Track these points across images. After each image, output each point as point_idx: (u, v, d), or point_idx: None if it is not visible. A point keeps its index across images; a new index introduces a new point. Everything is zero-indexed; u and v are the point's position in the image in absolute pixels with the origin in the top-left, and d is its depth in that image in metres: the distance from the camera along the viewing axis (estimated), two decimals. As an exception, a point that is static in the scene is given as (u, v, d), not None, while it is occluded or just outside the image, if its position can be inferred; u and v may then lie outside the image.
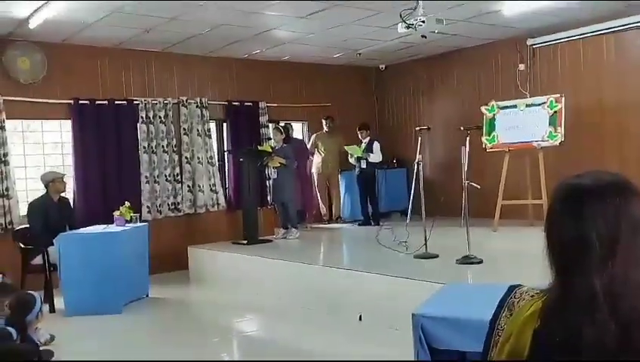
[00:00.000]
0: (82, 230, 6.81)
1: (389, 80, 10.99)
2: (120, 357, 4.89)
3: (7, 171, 7.55)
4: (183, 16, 7.08)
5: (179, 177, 8.92)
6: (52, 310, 6.37)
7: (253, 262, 7.22)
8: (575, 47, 8.45)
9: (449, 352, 3.07)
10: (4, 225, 7.49)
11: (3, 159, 7.54)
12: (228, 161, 9.54)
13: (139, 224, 7.26)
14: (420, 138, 6.76)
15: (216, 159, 9.35)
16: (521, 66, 8.95)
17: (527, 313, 1.28)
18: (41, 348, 4.65)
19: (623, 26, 7.85)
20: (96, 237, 6.59)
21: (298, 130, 10.53)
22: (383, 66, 10.84)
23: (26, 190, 7.93)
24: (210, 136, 9.23)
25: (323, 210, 10.16)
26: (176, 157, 8.88)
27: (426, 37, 7.06)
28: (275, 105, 9.86)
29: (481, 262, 5.76)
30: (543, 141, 7.74)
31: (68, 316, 6.18)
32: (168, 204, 8.83)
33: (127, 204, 7.05)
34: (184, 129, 8.96)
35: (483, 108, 8.35)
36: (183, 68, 9.06)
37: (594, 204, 1.20)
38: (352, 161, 9.59)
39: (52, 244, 6.45)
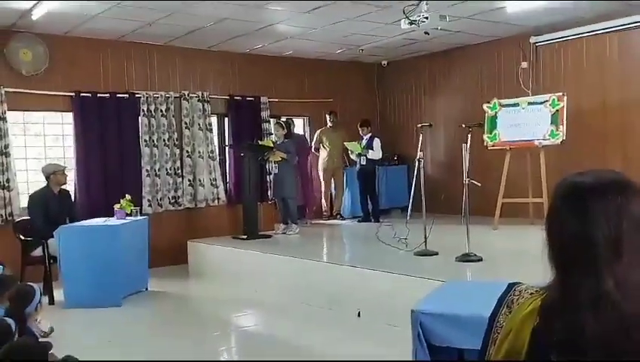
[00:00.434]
0: (83, 222, 6.83)
1: (391, 76, 10.97)
2: (119, 349, 4.91)
3: (8, 163, 7.56)
4: (185, 10, 7.07)
5: (180, 171, 8.92)
6: (51, 302, 6.38)
7: (252, 257, 7.22)
8: (578, 46, 8.42)
9: (448, 349, 3.08)
10: (4, 217, 7.50)
11: (4, 151, 7.54)
12: (229, 156, 9.54)
13: (139, 217, 7.27)
14: (421, 135, 6.74)
15: (217, 153, 9.35)
16: (524, 64, 8.91)
17: (526, 311, 1.28)
18: (40, 340, 4.65)
19: (627, 24, 7.82)
20: (97, 229, 6.61)
21: (300, 125, 10.53)
22: (386, 63, 10.83)
23: (27, 182, 7.94)
24: (211, 131, 9.23)
25: (325, 206, 10.16)
26: (177, 151, 8.87)
27: (428, 33, 7.06)
28: (277, 100, 9.85)
29: (480, 259, 5.77)
30: (544, 139, 7.73)
31: (67, 308, 6.19)
32: (169, 198, 8.83)
33: (127, 197, 7.06)
34: (185, 123, 8.95)
35: (485, 106, 8.34)
36: (185, 61, 9.04)
37: (596, 201, 1.20)
38: (352, 157, 9.59)
39: (52, 236, 6.45)
